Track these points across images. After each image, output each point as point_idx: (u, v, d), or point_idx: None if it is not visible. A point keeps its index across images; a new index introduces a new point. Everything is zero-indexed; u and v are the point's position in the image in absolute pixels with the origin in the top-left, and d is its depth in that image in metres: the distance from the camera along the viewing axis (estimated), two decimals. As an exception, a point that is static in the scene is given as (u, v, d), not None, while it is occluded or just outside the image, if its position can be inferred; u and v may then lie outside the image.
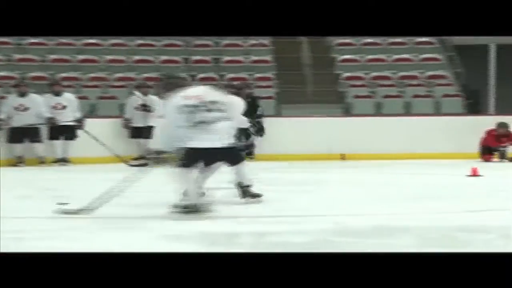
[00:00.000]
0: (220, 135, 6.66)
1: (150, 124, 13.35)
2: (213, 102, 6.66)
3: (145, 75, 15.94)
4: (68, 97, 13.26)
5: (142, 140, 13.29)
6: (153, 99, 13.52)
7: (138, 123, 13.39)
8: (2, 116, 12.86)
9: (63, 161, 12.96)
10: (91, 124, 13.06)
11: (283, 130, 13.96)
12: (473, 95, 16.41)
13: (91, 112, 14.49)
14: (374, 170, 11.68)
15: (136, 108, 13.49)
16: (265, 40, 17.73)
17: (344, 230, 5.80)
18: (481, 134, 13.36)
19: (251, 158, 13.76)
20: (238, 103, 7.22)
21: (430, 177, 10.54)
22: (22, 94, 12.94)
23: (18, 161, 12.81)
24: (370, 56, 17.31)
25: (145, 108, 13.35)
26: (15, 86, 13.53)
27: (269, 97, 15.36)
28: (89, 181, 10.27)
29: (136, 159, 13.10)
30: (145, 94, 13.57)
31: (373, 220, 6.29)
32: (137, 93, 13.66)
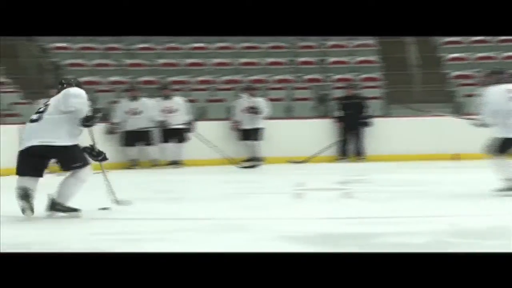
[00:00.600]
0: (39, 134, 6.68)
1: (258, 126, 13.49)
2: (46, 104, 6.86)
3: (252, 77, 16.05)
4: (178, 101, 13.46)
5: (250, 142, 13.41)
6: (260, 101, 13.60)
7: (246, 125, 13.49)
8: (116, 121, 13.16)
9: (175, 163, 13.17)
10: (200, 126, 13.23)
11: (391, 131, 13.82)
12: None
13: (201, 115, 14.66)
14: (486, 170, 11.38)
15: (244, 111, 13.58)
16: (370, 41, 17.57)
17: (460, 231, 5.70)
18: None
19: (361, 159, 13.72)
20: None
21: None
22: (134, 99, 13.21)
23: (132, 164, 13.09)
24: (479, 54, 16.90)
25: (253, 110, 13.43)
26: (126, 90, 13.84)
27: (377, 98, 15.22)
28: (202, 183, 10.43)
29: (246, 161, 13.23)
30: (252, 96, 13.66)
31: (489, 221, 6.16)
32: (244, 95, 13.76)
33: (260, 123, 13.50)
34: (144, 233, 5.89)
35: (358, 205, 7.52)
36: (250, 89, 13.95)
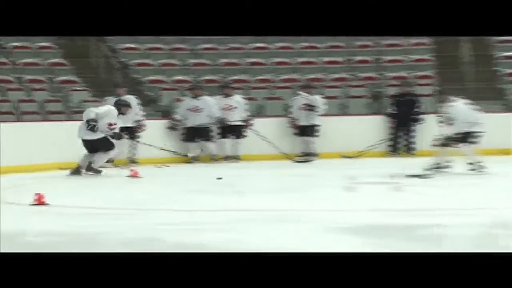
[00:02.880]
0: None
1: (314, 122, 13.52)
2: None
3: (309, 76, 16.07)
4: (237, 99, 13.58)
5: (306, 138, 13.46)
6: (317, 99, 13.63)
7: (302, 121, 13.54)
8: (178, 117, 13.33)
9: (233, 158, 13.29)
10: (258, 123, 13.33)
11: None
12: None
13: (259, 113, 14.74)
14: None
15: (301, 108, 13.63)
16: (426, 39, 17.43)
17: (504, 223, 5.67)
18: None
19: (412, 154, 13.63)
20: None
21: None
22: (196, 97, 13.35)
23: (192, 159, 13.24)
24: (532, 53, 16.63)
25: (310, 107, 13.47)
26: (189, 89, 14.00)
27: (430, 95, 15.11)
28: (258, 176, 10.50)
29: (300, 155, 13.28)
30: (309, 94, 13.69)
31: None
32: (302, 93, 13.81)
33: (316, 120, 13.53)
34: (204, 224, 6.00)
35: (406, 198, 7.52)
36: (308, 87, 13.97)
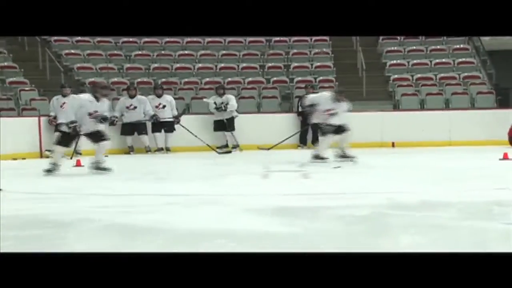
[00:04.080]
0: None
1: (227, 117, 13.35)
2: None
3: (229, 79, 15.96)
4: (167, 98, 13.32)
5: (226, 133, 13.31)
6: (229, 98, 13.43)
7: (217, 117, 13.37)
8: (116, 114, 12.99)
9: (164, 150, 13.05)
10: (186, 120, 13.12)
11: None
12: (503, 92, 15.86)
13: (186, 110, 14.55)
14: (419, 155, 11.39)
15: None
16: (327, 49, 17.54)
17: (395, 205, 5.63)
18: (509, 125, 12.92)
19: (317, 146, 13.63)
20: None
21: (468, 160, 10.21)
22: (131, 96, 13.05)
23: (129, 150, 12.96)
24: (415, 61, 16.92)
25: (222, 106, 13.29)
26: (126, 89, 13.67)
27: (331, 96, 15.15)
28: (185, 166, 10.30)
29: (220, 147, 13.11)
30: (221, 95, 13.48)
31: (420, 197, 6.09)
32: (217, 94, 13.66)
33: (230, 114, 13.31)
34: (135, 207, 5.77)
35: (313, 184, 7.44)
36: (221, 89, 13.73)
